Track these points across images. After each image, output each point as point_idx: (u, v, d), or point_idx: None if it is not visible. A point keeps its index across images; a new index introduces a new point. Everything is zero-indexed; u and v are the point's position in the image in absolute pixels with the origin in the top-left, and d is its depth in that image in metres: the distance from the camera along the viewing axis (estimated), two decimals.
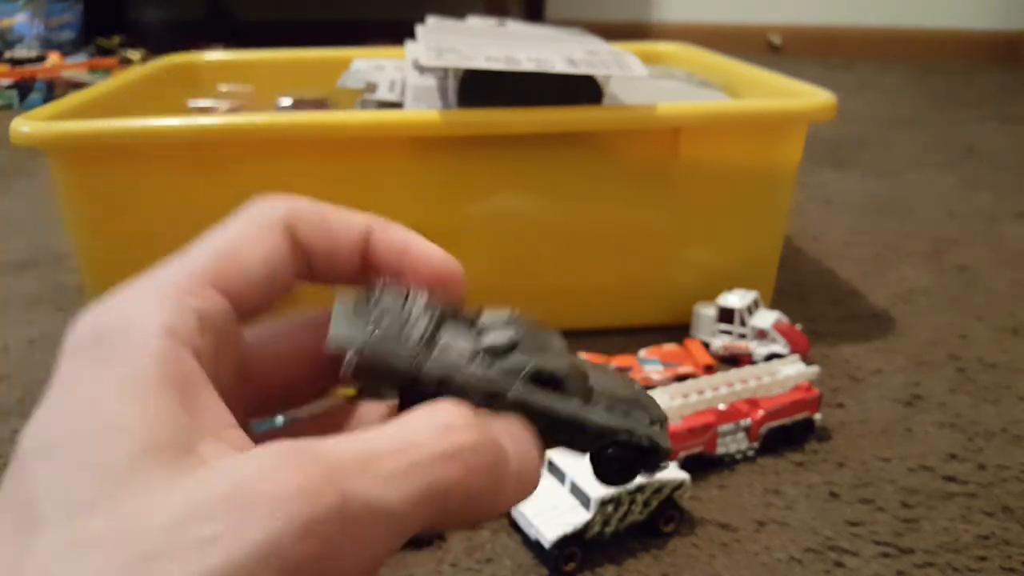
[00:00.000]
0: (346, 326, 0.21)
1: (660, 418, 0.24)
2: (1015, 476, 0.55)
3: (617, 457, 0.23)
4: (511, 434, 0.20)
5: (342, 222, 0.22)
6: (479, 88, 0.63)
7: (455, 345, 0.21)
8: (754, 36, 2.62)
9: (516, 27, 0.81)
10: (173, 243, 0.77)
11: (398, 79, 0.81)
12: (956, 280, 0.88)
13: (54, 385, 0.18)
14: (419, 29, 0.74)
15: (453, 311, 0.23)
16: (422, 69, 0.74)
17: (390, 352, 0.20)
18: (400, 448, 0.18)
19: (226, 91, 0.94)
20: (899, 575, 0.46)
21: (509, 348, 0.21)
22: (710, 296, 0.72)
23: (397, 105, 0.75)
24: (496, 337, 0.21)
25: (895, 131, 1.59)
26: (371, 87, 0.80)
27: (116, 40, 2.27)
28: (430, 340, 0.21)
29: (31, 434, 0.17)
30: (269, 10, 2.84)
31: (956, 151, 1.44)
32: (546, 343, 0.23)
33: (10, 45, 2.21)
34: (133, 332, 0.18)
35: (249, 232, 0.20)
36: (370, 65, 0.87)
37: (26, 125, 0.61)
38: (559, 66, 0.61)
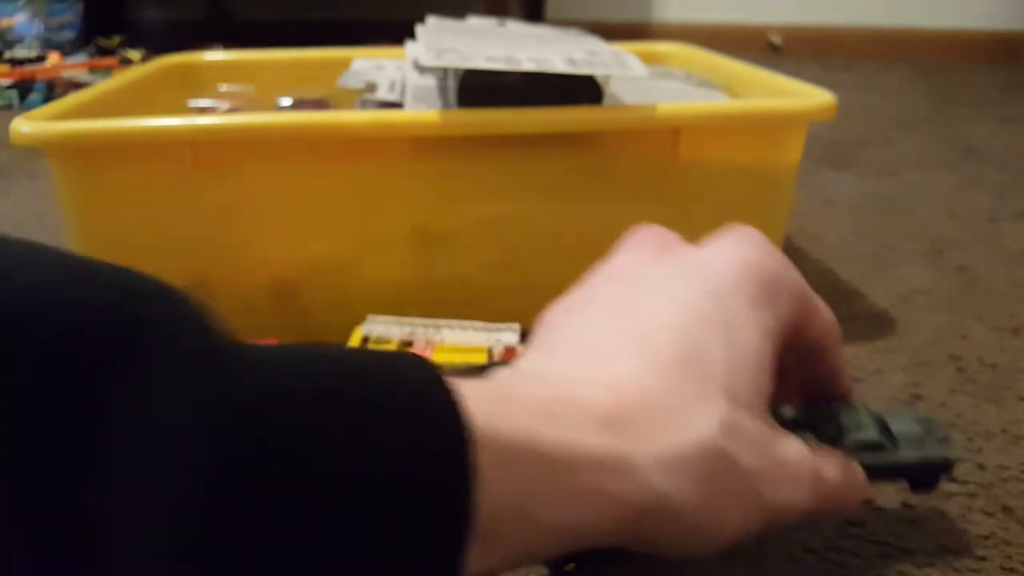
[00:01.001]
0: None
1: (945, 435, 0.43)
2: (1015, 476, 0.54)
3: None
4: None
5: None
6: (479, 88, 0.63)
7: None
8: (754, 36, 2.62)
9: (516, 27, 0.80)
10: (174, 243, 0.77)
11: (398, 79, 0.81)
12: (956, 280, 0.88)
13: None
14: (419, 29, 0.74)
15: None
16: (422, 69, 0.74)
17: None
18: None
19: (226, 91, 0.94)
20: (899, 575, 0.46)
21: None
22: None
23: (397, 105, 0.75)
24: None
25: (895, 131, 1.59)
26: (371, 87, 0.80)
27: (116, 40, 2.28)
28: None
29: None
30: (269, 10, 2.84)
31: (956, 151, 1.44)
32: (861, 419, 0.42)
33: (10, 45, 2.21)
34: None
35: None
36: (370, 65, 0.87)
37: (26, 125, 0.61)
38: (559, 66, 0.61)
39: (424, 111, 0.64)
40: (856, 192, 1.20)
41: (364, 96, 0.79)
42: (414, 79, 0.73)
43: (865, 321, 0.78)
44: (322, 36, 1.36)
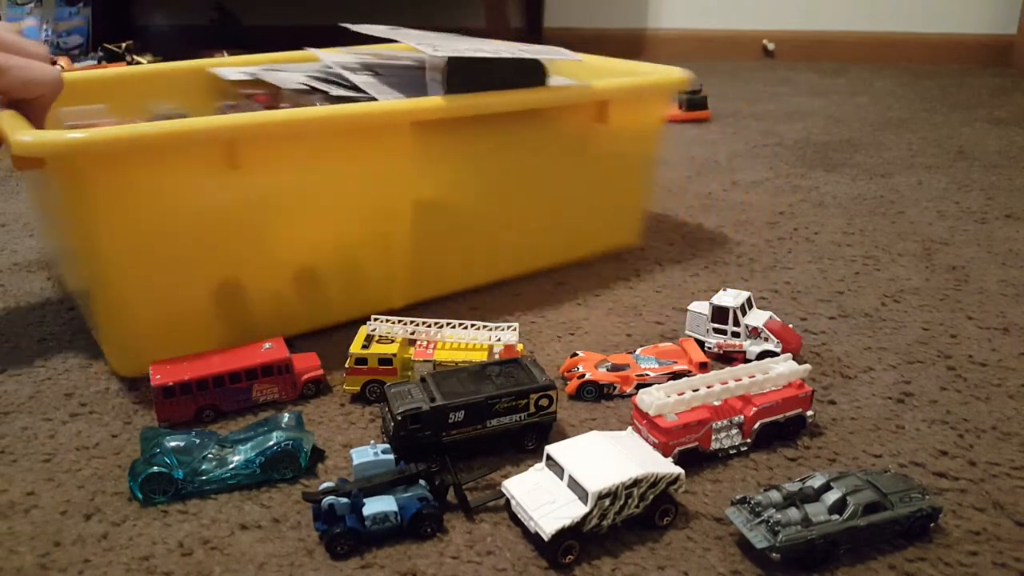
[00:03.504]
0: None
1: (921, 485, 0.51)
2: (1005, 472, 0.55)
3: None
4: None
5: None
6: (461, 75, 0.74)
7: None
8: (748, 42, 2.64)
9: (453, 36, 0.89)
10: (183, 244, 0.76)
11: (334, 78, 0.87)
12: (946, 280, 0.89)
13: None
14: (370, 30, 0.85)
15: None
16: (357, 68, 0.84)
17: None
18: None
19: (247, 93, 0.95)
20: (891, 569, 0.47)
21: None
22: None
23: (361, 99, 0.80)
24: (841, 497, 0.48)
25: (886, 134, 1.61)
26: (315, 87, 0.85)
27: (124, 45, 2.27)
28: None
29: None
30: (274, 15, 2.85)
31: (946, 153, 1.45)
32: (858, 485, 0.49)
33: None
34: None
35: None
36: (295, 71, 0.93)
37: (29, 135, 0.61)
38: (518, 54, 0.76)
39: (428, 99, 0.72)
40: (848, 194, 1.21)
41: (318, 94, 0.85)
42: (360, 78, 0.84)
43: (856, 320, 0.79)
44: (326, 41, 1.37)
